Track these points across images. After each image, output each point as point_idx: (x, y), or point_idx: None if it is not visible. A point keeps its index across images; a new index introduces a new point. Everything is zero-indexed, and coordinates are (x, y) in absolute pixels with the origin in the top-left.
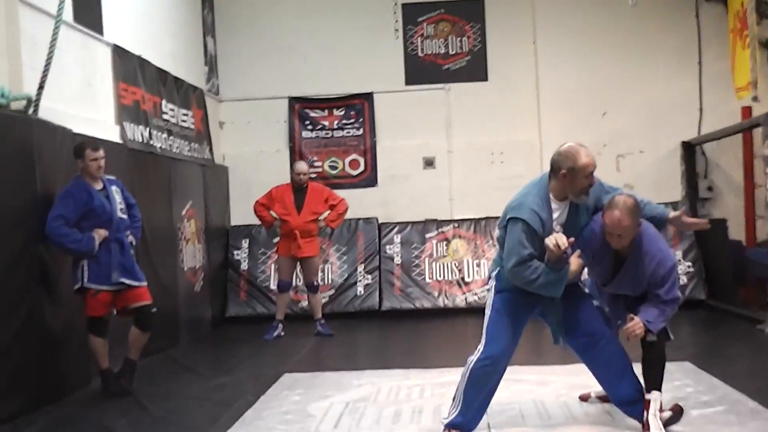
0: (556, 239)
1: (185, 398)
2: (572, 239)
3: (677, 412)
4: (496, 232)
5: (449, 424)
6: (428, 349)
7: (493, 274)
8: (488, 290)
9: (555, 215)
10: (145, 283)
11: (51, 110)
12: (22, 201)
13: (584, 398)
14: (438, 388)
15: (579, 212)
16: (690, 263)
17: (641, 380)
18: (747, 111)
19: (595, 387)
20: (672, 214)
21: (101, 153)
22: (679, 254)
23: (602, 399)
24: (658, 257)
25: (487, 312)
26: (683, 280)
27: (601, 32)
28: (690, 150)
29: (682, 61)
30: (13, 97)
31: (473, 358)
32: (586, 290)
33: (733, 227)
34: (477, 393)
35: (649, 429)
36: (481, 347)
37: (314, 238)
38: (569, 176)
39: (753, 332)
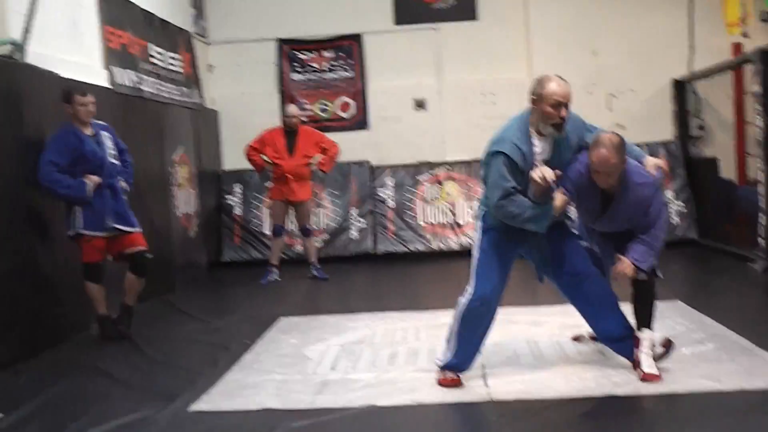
0: (543, 172)
1: (183, 342)
2: (558, 172)
3: (668, 347)
4: (481, 171)
5: (444, 366)
6: (422, 292)
7: (480, 213)
8: (475, 230)
9: (537, 150)
10: (139, 229)
11: (37, 55)
12: (11, 147)
13: (577, 338)
14: (433, 329)
15: (562, 149)
16: (682, 202)
17: (631, 319)
18: (737, 47)
19: (587, 327)
20: (650, 160)
21: (90, 98)
22: (670, 193)
23: (595, 339)
24: (646, 193)
25: (475, 252)
26: (675, 220)
27: None
28: (681, 88)
29: None
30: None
31: (464, 300)
32: (575, 231)
33: (724, 166)
34: (470, 333)
35: (640, 366)
36: (470, 288)
37: (306, 182)
38: (538, 103)
39: (744, 270)
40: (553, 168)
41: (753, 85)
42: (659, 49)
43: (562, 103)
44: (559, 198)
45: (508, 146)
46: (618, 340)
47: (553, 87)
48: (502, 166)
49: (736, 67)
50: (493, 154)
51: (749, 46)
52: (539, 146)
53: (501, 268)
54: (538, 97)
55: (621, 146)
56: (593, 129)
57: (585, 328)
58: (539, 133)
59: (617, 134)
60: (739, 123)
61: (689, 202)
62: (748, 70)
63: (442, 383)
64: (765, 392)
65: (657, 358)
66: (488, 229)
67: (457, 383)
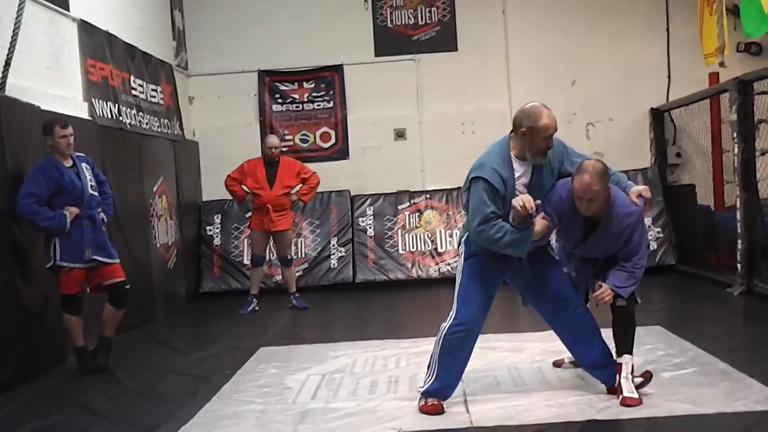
0: (523, 200)
1: (163, 372)
2: (539, 201)
3: (647, 378)
4: (463, 198)
5: (426, 392)
6: (403, 320)
7: (463, 240)
8: (458, 257)
9: (517, 174)
10: (117, 260)
11: (18, 87)
12: None
13: (558, 364)
14: (414, 357)
15: (543, 174)
16: (659, 228)
17: (611, 345)
18: (714, 77)
19: (568, 353)
20: (634, 188)
21: (70, 130)
22: (648, 220)
23: (575, 364)
24: (629, 222)
25: (458, 278)
26: (653, 246)
27: (569, 0)
28: (659, 117)
29: (651, 27)
30: None
31: (446, 325)
32: (555, 257)
33: (702, 192)
34: (452, 359)
35: (621, 392)
36: (453, 314)
37: (287, 212)
38: (528, 135)
39: (723, 295)
40: (533, 191)
41: (731, 114)
42: (638, 79)
43: (552, 135)
44: (539, 223)
45: (488, 172)
46: (599, 367)
47: (546, 121)
48: (483, 191)
49: (713, 96)
50: (473, 180)
51: (726, 75)
52: (519, 171)
53: (483, 294)
54: (528, 130)
55: (604, 173)
56: (576, 156)
57: (565, 354)
58: (519, 158)
59: (600, 161)
60: (716, 150)
61: (667, 228)
62: (725, 98)
63: (424, 410)
64: (745, 415)
65: (637, 387)
66: (471, 255)
67: (438, 409)
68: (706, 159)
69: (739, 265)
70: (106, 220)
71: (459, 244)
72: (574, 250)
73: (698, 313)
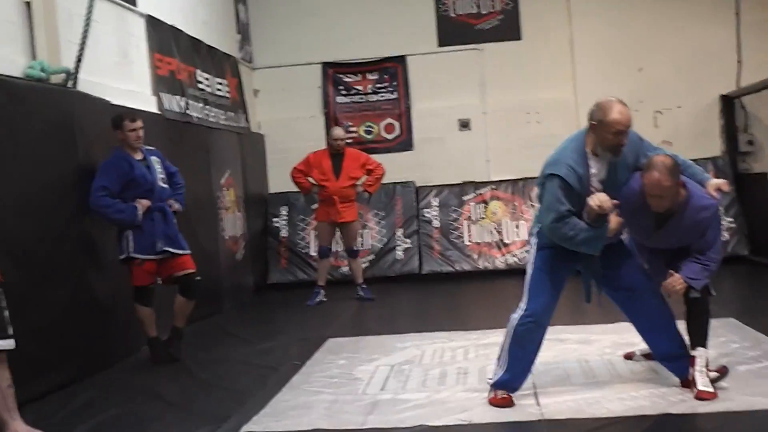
0: (600, 200)
1: (232, 363)
2: (616, 201)
3: (723, 373)
4: (536, 191)
5: (496, 384)
6: (470, 312)
7: (534, 231)
8: (529, 248)
9: (593, 171)
10: (188, 252)
11: (89, 83)
12: (65, 174)
13: (629, 356)
14: (482, 349)
15: (618, 170)
16: (731, 219)
17: (685, 337)
18: None
19: (639, 345)
20: (712, 181)
21: (139, 123)
22: (720, 209)
23: (647, 357)
24: (704, 215)
25: (529, 269)
26: (725, 236)
27: None
28: (729, 103)
29: (719, 11)
30: (53, 71)
31: (516, 317)
32: (627, 246)
33: None
34: (522, 351)
35: (695, 385)
36: (522, 305)
37: (353, 203)
38: (598, 129)
39: None
40: (608, 188)
41: None
42: (706, 64)
43: (623, 132)
44: (613, 220)
45: (564, 169)
46: (673, 358)
47: (615, 116)
48: (558, 189)
49: None
50: (548, 177)
51: None
52: (595, 167)
53: (553, 286)
54: (598, 123)
55: (674, 168)
56: (652, 149)
57: (637, 347)
58: (595, 154)
59: (670, 156)
60: None
61: (739, 217)
62: None
63: (494, 402)
64: None
65: (711, 382)
66: (543, 247)
67: (508, 402)
68: None
69: None
70: (180, 209)
71: (530, 235)
72: (645, 241)
73: None
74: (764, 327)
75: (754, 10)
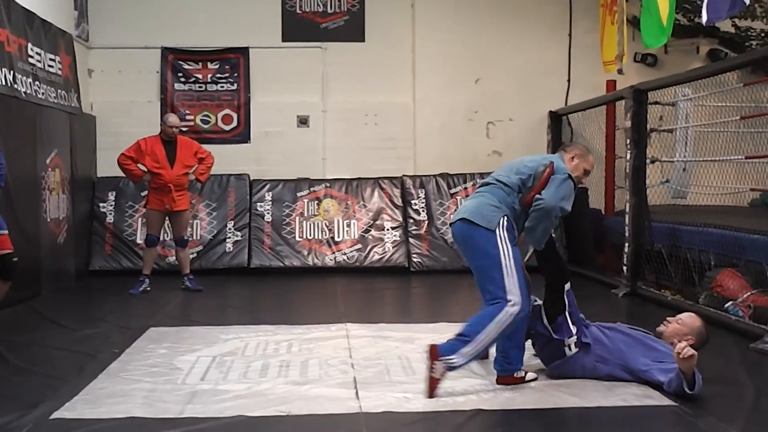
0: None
1: (48, 349)
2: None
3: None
4: (512, 178)
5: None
6: (297, 307)
7: (503, 222)
8: (496, 237)
9: None
10: (6, 231)
11: None
12: None
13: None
14: (306, 343)
15: None
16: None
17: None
18: (612, 84)
19: None
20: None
21: None
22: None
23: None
24: None
25: (510, 263)
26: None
27: None
28: (557, 119)
29: (554, 32)
30: None
31: (512, 311)
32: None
33: (593, 196)
34: (496, 339)
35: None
36: (516, 300)
37: (186, 192)
38: (575, 160)
39: (608, 296)
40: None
41: (625, 121)
42: (539, 81)
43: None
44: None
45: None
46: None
47: (592, 161)
48: (572, 191)
49: (609, 102)
50: (569, 176)
51: (623, 83)
52: None
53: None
54: (580, 160)
55: None
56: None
57: None
58: None
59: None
60: (609, 156)
61: (559, 228)
62: (621, 106)
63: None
64: (623, 409)
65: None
66: (513, 242)
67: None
68: (599, 164)
69: (624, 268)
70: None
71: (495, 224)
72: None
73: (584, 312)
74: None
75: (586, 34)
